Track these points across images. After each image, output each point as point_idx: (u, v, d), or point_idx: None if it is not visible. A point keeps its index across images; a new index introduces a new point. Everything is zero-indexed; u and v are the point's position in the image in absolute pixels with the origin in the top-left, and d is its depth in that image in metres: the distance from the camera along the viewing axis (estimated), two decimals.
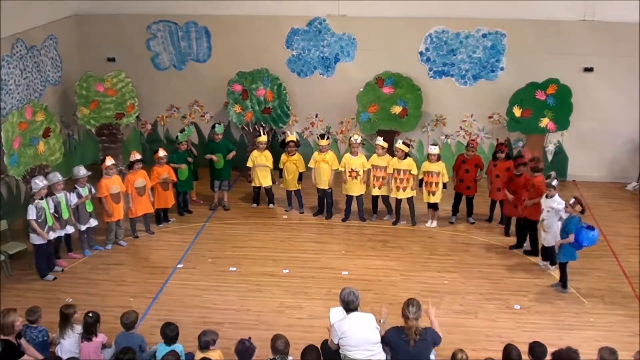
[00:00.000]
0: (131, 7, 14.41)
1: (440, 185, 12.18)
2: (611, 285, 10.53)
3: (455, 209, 12.67)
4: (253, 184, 13.15)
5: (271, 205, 13.30)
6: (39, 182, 10.53)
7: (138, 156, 11.90)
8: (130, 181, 11.78)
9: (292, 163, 12.75)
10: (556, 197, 10.46)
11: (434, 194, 12.20)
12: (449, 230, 12.38)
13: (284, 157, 12.84)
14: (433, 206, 12.41)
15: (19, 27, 12.61)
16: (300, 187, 13.00)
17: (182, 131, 13.02)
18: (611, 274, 10.84)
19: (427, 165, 12.15)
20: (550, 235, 10.57)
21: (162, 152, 12.19)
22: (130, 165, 11.89)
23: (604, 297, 10.20)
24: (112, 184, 11.51)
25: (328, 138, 12.83)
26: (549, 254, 10.88)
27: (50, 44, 13.83)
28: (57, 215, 10.82)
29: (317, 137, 13.02)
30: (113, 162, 11.61)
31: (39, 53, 13.42)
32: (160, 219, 12.58)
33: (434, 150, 12.12)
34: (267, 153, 13.01)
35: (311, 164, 12.66)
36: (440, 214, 12.54)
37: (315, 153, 12.71)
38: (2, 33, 11.96)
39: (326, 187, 12.65)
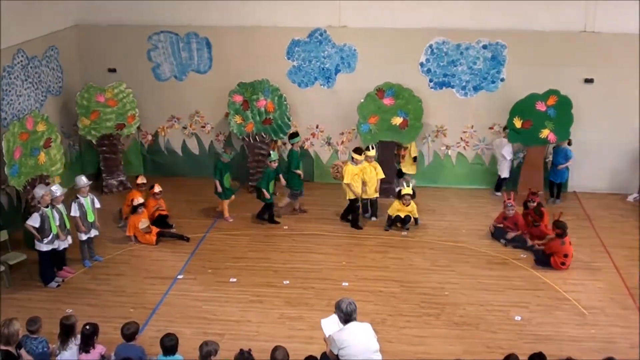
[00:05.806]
0: (132, 18, 14.45)
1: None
2: (612, 297, 10.50)
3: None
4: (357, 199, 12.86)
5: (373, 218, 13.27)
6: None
7: (141, 200, 12.19)
8: (134, 224, 12.12)
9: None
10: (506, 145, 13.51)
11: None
12: (450, 241, 12.37)
13: (397, 204, 12.65)
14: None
15: (20, 38, 12.66)
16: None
17: (272, 151, 13.20)
18: (612, 285, 10.82)
19: (400, 209, 12.64)
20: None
21: (157, 188, 12.44)
22: (134, 210, 12.10)
23: (604, 309, 10.17)
24: (141, 219, 12.18)
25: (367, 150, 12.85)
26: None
27: (52, 54, 13.87)
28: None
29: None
30: (142, 201, 12.18)
31: (40, 64, 13.45)
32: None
33: (408, 189, 12.61)
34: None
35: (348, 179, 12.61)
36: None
37: (352, 166, 12.68)
38: (3, 44, 12.01)
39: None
